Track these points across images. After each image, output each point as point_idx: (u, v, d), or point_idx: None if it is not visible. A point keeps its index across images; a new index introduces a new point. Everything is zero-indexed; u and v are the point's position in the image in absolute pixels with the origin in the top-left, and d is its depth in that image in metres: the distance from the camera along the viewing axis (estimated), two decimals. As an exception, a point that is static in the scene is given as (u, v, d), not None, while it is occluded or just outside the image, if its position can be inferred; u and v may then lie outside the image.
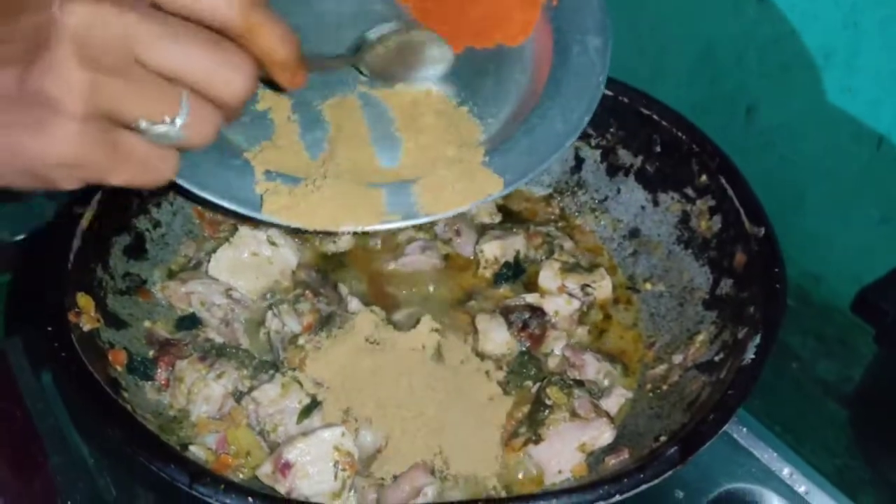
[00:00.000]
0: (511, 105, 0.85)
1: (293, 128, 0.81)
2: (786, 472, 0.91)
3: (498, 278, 0.99)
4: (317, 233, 1.01)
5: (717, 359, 0.83)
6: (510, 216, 1.08)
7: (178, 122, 0.56)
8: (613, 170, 1.04)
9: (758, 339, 0.78)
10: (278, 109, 0.82)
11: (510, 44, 0.89)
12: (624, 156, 1.03)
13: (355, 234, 1.00)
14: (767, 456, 0.91)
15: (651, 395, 0.88)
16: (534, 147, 0.79)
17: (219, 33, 0.57)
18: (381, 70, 0.83)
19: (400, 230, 1.03)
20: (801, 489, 0.90)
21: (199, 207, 1.01)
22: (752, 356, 0.77)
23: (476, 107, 0.84)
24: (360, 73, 0.84)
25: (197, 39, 0.55)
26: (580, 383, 0.87)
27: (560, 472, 0.82)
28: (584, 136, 1.04)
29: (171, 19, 0.55)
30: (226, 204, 0.73)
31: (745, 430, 0.93)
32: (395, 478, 0.79)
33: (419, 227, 1.03)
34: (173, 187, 0.70)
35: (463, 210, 0.77)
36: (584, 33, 0.86)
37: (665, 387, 0.87)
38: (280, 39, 0.60)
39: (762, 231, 0.86)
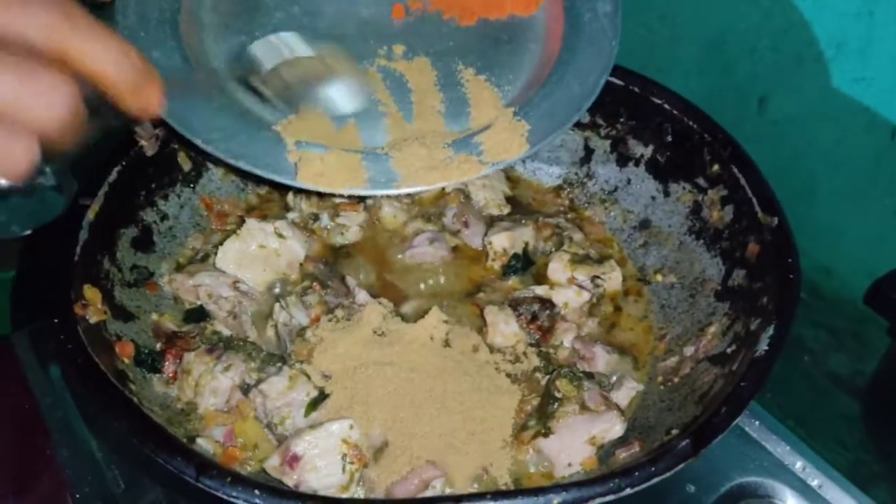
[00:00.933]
0: (526, 72, 0.87)
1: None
2: (798, 465, 0.90)
3: (507, 270, 0.98)
4: (334, 214, 1.02)
5: (729, 350, 0.82)
6: (519, 207, 1.07)
7: None
8: (623, 160, 1.03)
9: (771, 330, 0.77)
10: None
11: (522, 13, 0.91)
12: (634, 146, 1.02)
13: (373, 213, 1.03)
14: (780, 449, 0.90)
15: (662, 387, 0.87)
16: (553, 110, 0.82)
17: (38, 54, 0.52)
18: (282, 92, 0.81)
19: (409, 221, 1.02)
20: (815, 483, 0.89)
21: (207, 198, 1.01)
22: (766, 347, 0.76)
23: (493, 76, 0.87)
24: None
25: (3, 66, 0.50)
26: (590, 376, 0.86)
27: (570, 465, 0.81)
28: (594, 126, 1.03)
29: None
30: (261, 172, 0.76)
31: (757, 423, 0.92)
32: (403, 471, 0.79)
33: (427, 219, 1.03)
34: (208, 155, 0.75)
35: (488, 172, 0.79)
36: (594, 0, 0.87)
37: (676, 379, 0.87)
38: (110, 61, 0.54)
39: (775, 221, 0.85)
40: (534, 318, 0.92)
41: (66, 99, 0.52)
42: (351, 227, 1.01)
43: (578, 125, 1.04)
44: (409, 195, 1.02)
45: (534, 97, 0.83)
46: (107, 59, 0.54)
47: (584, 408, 0.83)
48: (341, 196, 1.00)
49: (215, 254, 0.94)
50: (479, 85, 0.86)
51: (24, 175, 0.52)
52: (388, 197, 1.00)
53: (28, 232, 0.70)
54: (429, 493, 0.77)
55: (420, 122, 0.83)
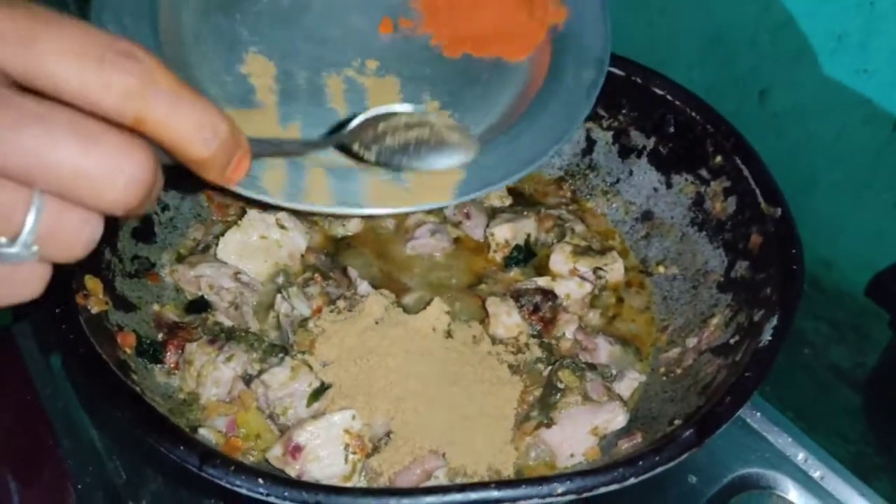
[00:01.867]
0: (490, 120, 0.84)
1: (272, 98, 0.81)
2: (801, 456, 0.90)
3: (509, 261, 0.98)
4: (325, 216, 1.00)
5: (732, 341, 0.82)
6: (521, 199, 1.07)
7: (25, 237, 0.41)
8: (626, 151, 1.03)
9: (775, 321, 0.77)
10: (261, 75, 0.82)
11: (509, 59, 0.88)
12: (636, 137, 1.01)
13: (361, 217, 1.01)
14: (782, 441, 0.91)
15: (664, 378, 0.87)
16: (494, 167, 0.77)
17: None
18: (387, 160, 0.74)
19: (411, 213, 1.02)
20: (817, 474, 0.89)
21: (210, 190, 1.00)
22: (769, 338, 0.76)
23: (457, 112, 0.83)
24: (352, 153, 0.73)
25: (57, 127, 0.40)
26: (593, 366, 0.86)
27: (572, 455, 0.81)
28: (596, 118, 1.03)
29: (27, 102, 0.40)
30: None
31: (758, 414, 0.92)
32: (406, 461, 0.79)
33: (429, 210, 1.02)
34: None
35: (401, 212, 0.76)
36: (581, 64, 0.85)
37: (679, 370, 0.87)
38: (196, 137, 0.46)
39: (778, 212, 0.85)
40: (536, 309, 0.92)
41: (140, 172, 0.42)
42: (352, 219, 1.01)
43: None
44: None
45: (482, 148, 0.77)
46: (193, 133, 0.46)
47: (586, 398, 0.83)
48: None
49: (216, 245, 0.94)
50: (442, 120, 0.80)
51: (78, 257, 0.44)
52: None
53: None
54: (431, 483, 0.76)
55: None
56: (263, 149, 0.62)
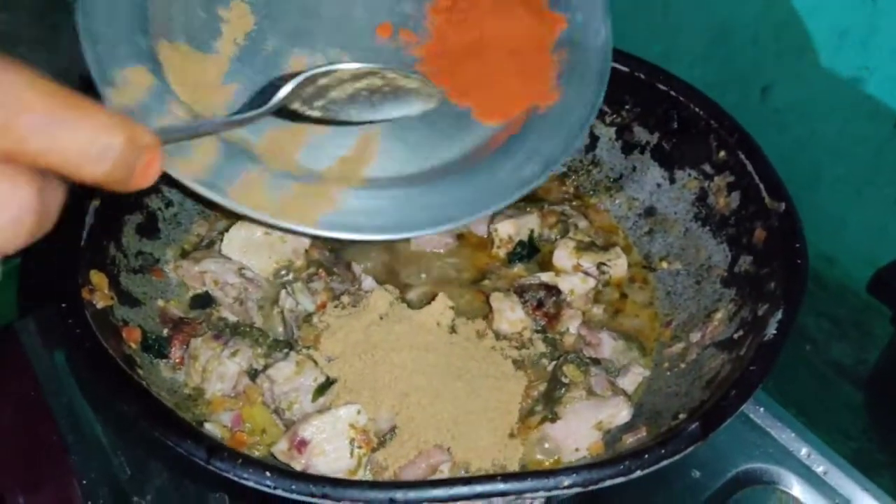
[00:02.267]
0: (433, 162, 0.81)
1: (230, 50, 0.78)
2: (804, 452, 0.90)
3: (512, 257, 0.99)
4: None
5: (736, 336, 0.82)
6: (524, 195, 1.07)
7: None
8: (629, 147, 1.03)
9: (780, 315, 0.77)
10: (235, 25, 0.79)
11: (479, 118, 0.84)
12: (640, 133, 1.01)
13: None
14: (785, 436, 0.91)
15: (668, 373, 0.87)
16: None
17: None
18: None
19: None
20: (820, 469, 0.89)
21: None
22: (774, 332, 0.76)
23: (401, 142, 0.80)
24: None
25: None
26: (597, 361, 0.87)
27: (577, 449, 0.81)
28: (600, 114, 1.03)
29: None
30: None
31: (762, 409, 0.93)
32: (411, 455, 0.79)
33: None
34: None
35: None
36: (540, 151, 0.81)
37: (683, 365, 0.87)
38: (83, 152, 0.42)
39: (783, 206, 0.85)
40: (539, 304, 0.92)
41: (15, 211, 0.40)
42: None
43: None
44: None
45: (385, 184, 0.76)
46: (81, 155, 0.42)
47: (590, 393, 0.83)
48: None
49: (221, 240, 0.94)
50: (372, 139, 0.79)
51: None
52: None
53: None
54: (437, 477, 0.77)
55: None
56: (178, 135, 0.58)
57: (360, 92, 0.68)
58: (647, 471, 0.67)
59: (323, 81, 0.66)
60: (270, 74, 0.79)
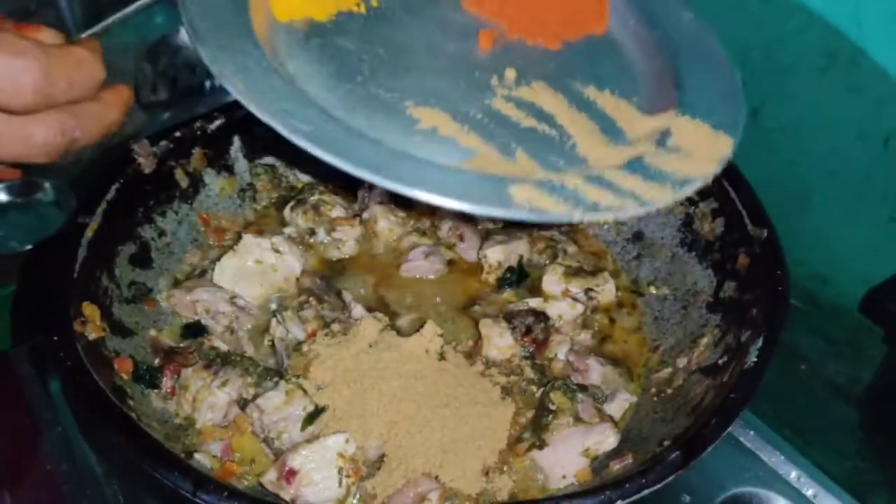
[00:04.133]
0: (643, 80, 0.79)
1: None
2: (793, 475, 0.90)
3: (502, 283, 0.99)
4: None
5: (720, 362, 0.83)
6: (513, 221, 1.07)
7: None
8: (616, 173, 1.04)
9: (760, 342, 0.77)
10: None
11: (596, 31, 0.83)
12: (627, 159, 1.02)
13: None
14: (774, 459, 0.91)
15: (655, 399, 0.88)
16: (715, 99, 0.75)
17: None
18: None
19: (404, 235, 1.04)
20: (809, 492, 0.89)
21: (205, 214, 1.02)
22: (755, 359, 0.77)
23: (616, 89, 0.77)
24: None
25: None
26: (584, 388, 0.87)
27: (564, 476, 0.82)
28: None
29: None
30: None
31: (751, 433, 0.93)
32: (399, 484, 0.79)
33: (423, 233, 1.03)
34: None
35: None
36: (670, 9, 0.83)
37: (669, 390, 0.87)
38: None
39: (764, 233, 0.86)
40: (528, 330, 0.93)
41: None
42: (347, 242, 1.02)
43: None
44: None
45: (682, 97, 0.74)
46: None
47: (577, 420, 0.83)
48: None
49: (213, 269, 0.95)
50: (609, 100, 0.76)
51: None
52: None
53: (28, 248, 0.71)
54: (424, 506, 0.77)
55: (584, 144, 0.72)
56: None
57: None
58: (627, 501, 0.68)
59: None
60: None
